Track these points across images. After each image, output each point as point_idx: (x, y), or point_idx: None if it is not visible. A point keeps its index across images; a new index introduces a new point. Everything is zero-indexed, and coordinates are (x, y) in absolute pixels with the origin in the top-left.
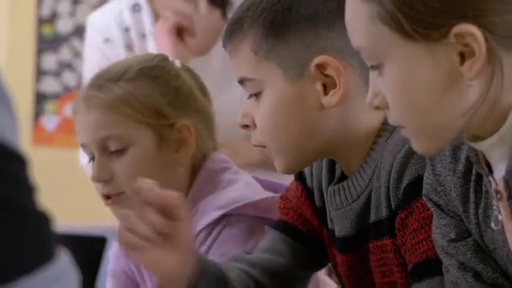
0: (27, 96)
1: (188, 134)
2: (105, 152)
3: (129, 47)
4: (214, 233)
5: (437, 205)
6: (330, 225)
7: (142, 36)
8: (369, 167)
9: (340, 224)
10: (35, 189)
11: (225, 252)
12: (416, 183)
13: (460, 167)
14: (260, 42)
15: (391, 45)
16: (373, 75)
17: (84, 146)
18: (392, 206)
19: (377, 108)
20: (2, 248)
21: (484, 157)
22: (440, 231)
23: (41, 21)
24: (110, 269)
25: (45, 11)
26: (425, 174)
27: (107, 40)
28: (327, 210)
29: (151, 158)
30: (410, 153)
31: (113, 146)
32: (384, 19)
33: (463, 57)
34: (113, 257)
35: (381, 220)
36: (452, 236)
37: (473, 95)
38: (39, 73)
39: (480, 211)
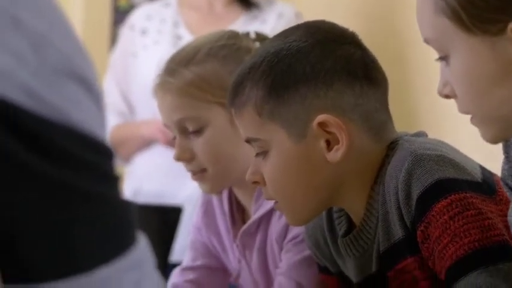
0: (102, 66)
1: None
2: (185, 132)
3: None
4: None
5: None
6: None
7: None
8: (375, 201)
9: (361, 267)
10: (117, 179)
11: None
12: (425, 195)
13: None
14: (262, 104)
15: (454, 38)
16: (442, 65)
17: (166, 126)
18: (408, 224)
19: (446, 97)
20: (83, 238)
21: None
22: None
23: None
24: (189, 240)
25: None
26: (503, 159)
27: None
28: (337, 259)
29: (227, 136)
30: (412, 170)
31: (190, 127)
32: (446, 12)
33: None
34: (193, 229)
35: (395, 243)
36: None
37: None
38: (115, 44)
39: None
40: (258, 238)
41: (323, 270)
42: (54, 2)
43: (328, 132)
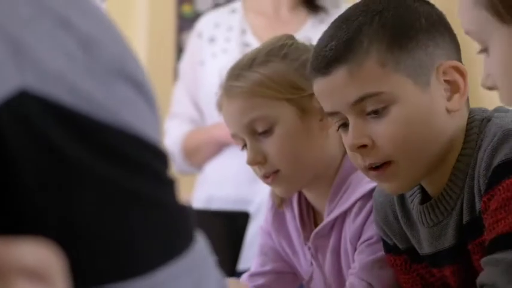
0: (167, 73)
1: None
2: (254, 135)
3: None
4: (369, 205)
5: None
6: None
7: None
8: (461, 172)
9: (431, 238)
10: (173, 182)
11: None
12: (499, 168)
13: None
14: (386, 55)
15: (492, 29)
16: (484, 58)
17: (234, 136)
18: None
19: (490, 88)
20: (139, 239)
21: None
22: None
23: (181, 1)
24: (259, 244)
25: None
26: None
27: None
28: (408, 231)
29: (297, 132)
30: (498, 145)
31: (260, 128)
32: (484, 4)
33: None
34: (262, 233)
35: (474, 217)
36: None
37: None
38: (180, 51)
39: None
40: (332, 240)
41: (391, 249)
42: (100, 8)
43: (447, 81)
